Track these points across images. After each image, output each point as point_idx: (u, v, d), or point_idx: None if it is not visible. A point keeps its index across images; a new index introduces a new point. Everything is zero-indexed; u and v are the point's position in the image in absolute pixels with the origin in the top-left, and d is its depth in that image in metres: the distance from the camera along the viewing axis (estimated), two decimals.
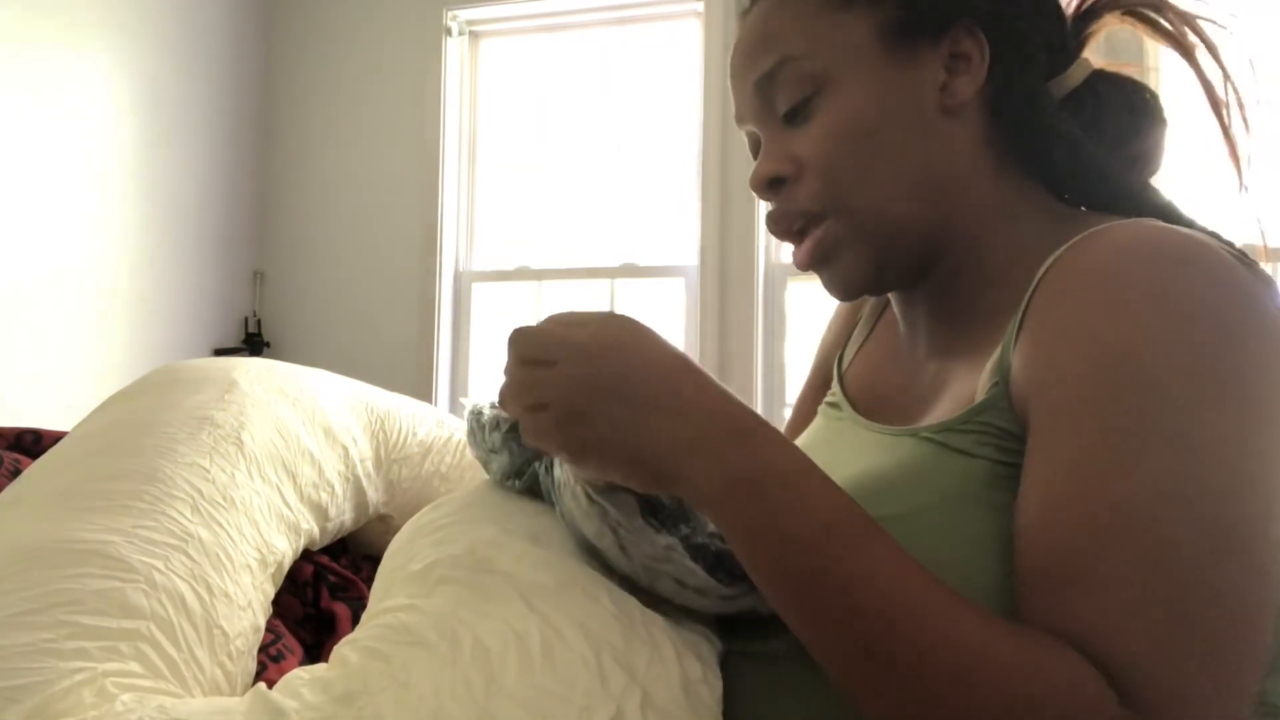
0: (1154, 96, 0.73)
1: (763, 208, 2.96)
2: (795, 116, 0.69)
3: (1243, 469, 0.52)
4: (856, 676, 0.53)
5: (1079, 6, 0.74)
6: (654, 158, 3.18)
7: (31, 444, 1.24)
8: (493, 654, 0.58)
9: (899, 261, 0.70)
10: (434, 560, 0.67)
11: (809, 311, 2.99)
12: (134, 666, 0.67)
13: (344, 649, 0.62)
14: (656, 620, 0.63)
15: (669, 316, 3.12)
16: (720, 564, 0.63)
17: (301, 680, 0.60)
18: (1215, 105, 0.70)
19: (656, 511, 0.63)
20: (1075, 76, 0.72)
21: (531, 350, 0.60)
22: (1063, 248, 0.62)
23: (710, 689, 0.62)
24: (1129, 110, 0.72)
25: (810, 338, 3.04)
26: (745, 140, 0.77)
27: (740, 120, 0.75)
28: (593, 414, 0.57)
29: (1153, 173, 0.74)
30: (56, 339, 2.77)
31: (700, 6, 3.06)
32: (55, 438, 1.21)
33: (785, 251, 3.02)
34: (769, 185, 0.71)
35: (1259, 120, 0.71)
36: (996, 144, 0.70)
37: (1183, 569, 0.50)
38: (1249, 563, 0.51)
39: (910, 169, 0.67)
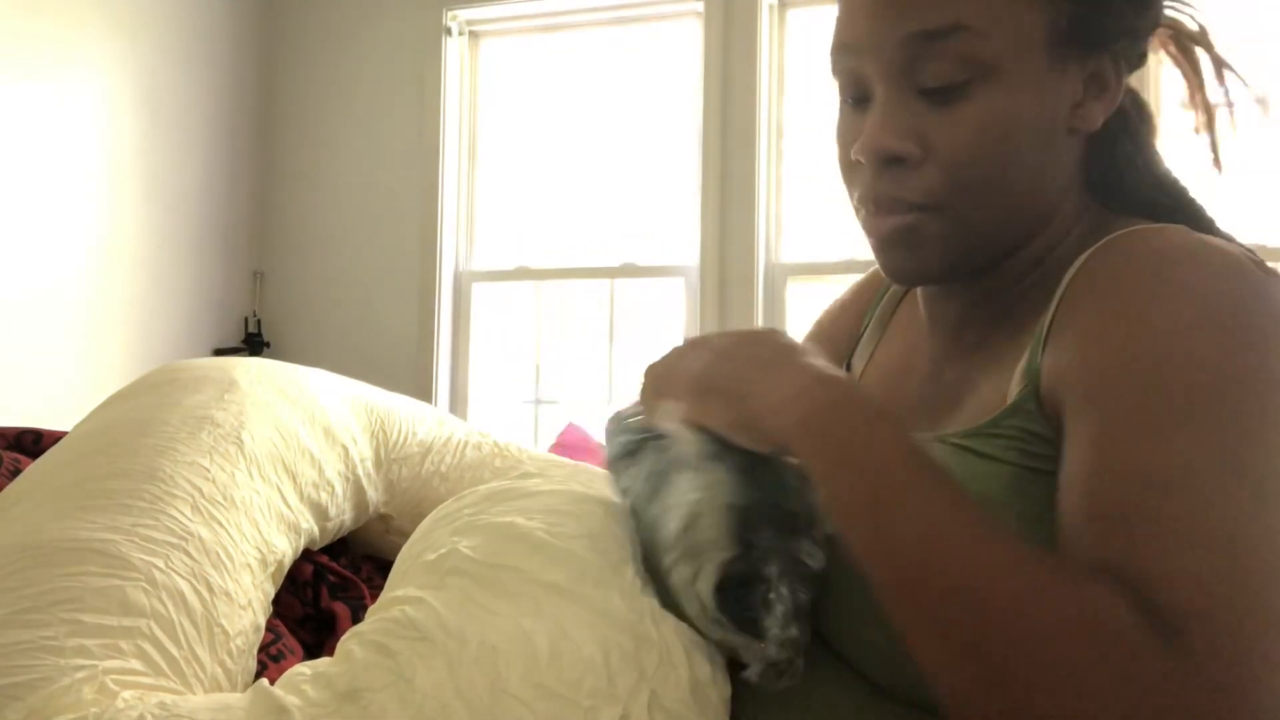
0: (1148, 108, 0.73)
1: (762, 208, 2.98)
2: (940, 95, 0.62)
3: None
4: (914, 615, 0.53)
5: None
6: (654, 158, 3.18)
7: (31, 444, 1.24)
8: (499, 652, 0.58)
9: (974, 265, 0.68)
10: (448, 550, 0.67)
11: (809, 311, 2.99)
12: (135, 664, 0.67)
13: (349, 643, 0.62)
14: (668, 620, 0.63)
15: (669, 316, 3.12)
16: (734, 596, 0.61)
17: (304, 676, 0.60)
18: (1209, 110, 0.71)
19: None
20: None
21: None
22: (1089, 250, 0.62)
23: (718, 691, 0.62)
24: (1143, 121, 0.72)
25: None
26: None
27: (855, 52, 0.65)
28: (726, 366, 0.64)
29: None
30: (57, 339, 2.77)
31: (700, 6, 3.06)
32: (55, 438, 1.21)
33: (785, 251, 3.02)
34: (887, 161, 0.64)
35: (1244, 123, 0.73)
36: (1082, 161, 0.69)
37: (1228, 520, 0.50)
38: None
39: (1030, 183, 0.65)
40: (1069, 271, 0.63)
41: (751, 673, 0.61)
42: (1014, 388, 0.62)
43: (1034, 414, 0.60)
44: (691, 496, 0.63)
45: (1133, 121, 0.69)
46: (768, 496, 0.63)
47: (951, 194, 0.63)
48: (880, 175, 0.65)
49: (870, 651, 0.61)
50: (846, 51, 0.66)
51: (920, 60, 0.62)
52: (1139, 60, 0.68)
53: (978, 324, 0.71)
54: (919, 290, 0.77)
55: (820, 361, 0.62)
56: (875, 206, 0.66)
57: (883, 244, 0.67)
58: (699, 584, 0.62)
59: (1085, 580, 0.50)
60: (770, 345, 0.64)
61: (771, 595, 0.60)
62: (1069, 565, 0.52)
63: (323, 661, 0.62)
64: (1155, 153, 0.70)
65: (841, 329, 0.89)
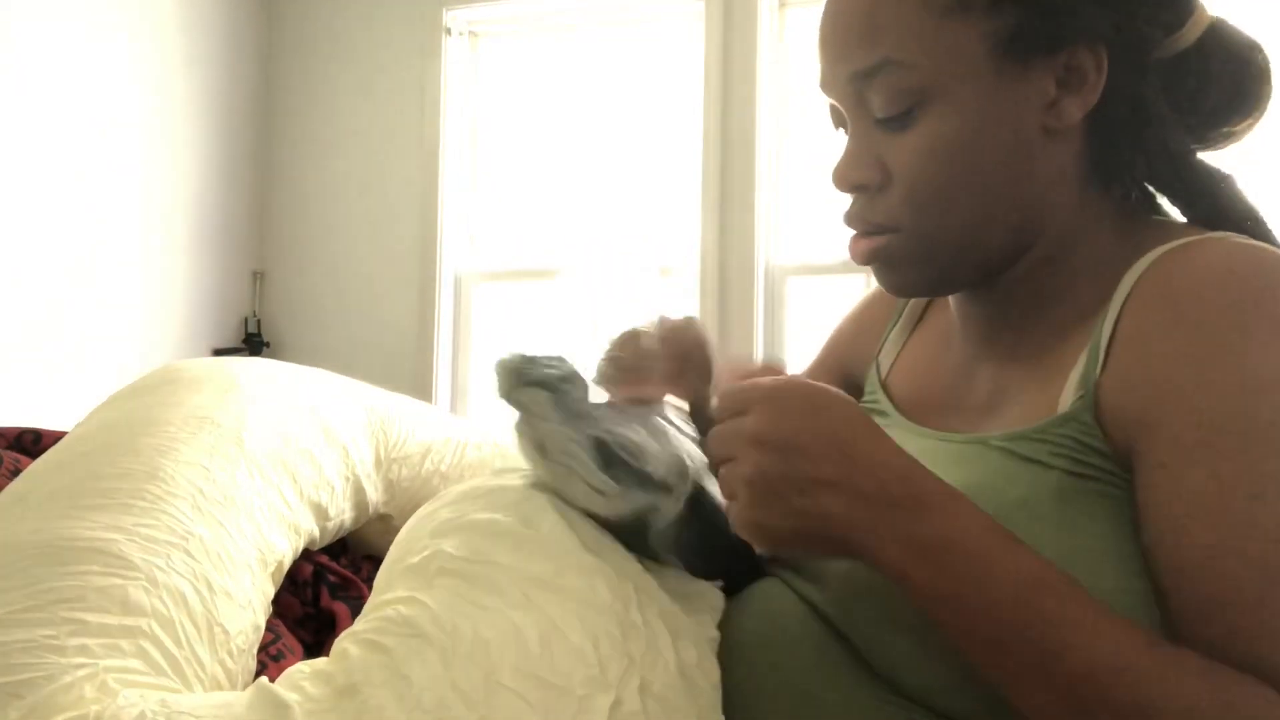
0: (1266, 66, 0.67)
1: (762, 208, 2.98)
2: (894, 124, 0.65)
3: None
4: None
5: None
6: (654, 158, 3.18)
7: (31, 444, 1.24)
8: (492, 646, 0.59)
9: (962, 276, 0.69)
10: (433, 552, 0.68)
11: (809, 311, 2.99)
12: (135, 663, 0.67)
13: (344, 642, 0.63)
14: (652, 605, 0.64)
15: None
16: (613, 457, 0.66)
17: (303, 674, 0.60)
18: None
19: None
20: (1189, 35, 0.65)
21: (729, 401, 0.61)
22: (1147, 259, 0.61)
23: (706, 674, 0.63)
24: (1235, 87, 0.66)
25: (810, 337, 3.05)
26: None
27: (825, 91, 0.70)
28: (771, 504, 0.58)
29: (1228, 145, 0.69)
30: (57, 338, 2.77)
31: (700, 7, 3.06)
32: (55, 437, 1.21)
33: (785, 251, 3.02)
34: (852, 189, 0.68)
35: None
36: (1088, 156, 0.66)
37: None
38: None
39: (999, 193, 0.65)
40: (1125, 279, 0.61)
41: (667, 516, 0.66)
42: (1067, 397, 0.61)
43: (1090, 427, 0.59)
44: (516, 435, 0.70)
45: (1153, 109, 0.65)
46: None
47: (911, 215, 0.66)
48: (853, 202, 0.69)
49: (902, 658, 0.61)
50: (822, 89, 0.70)
51: (865, 95, 0.65)
52: (1147, 44, 0.64)
53: (1013, 325, 0.70)
54: (951, 303, 0.77)
55: (870, 446, 0.58)
56: (851, 230, 0.70)
57: (866, 266, 0.71)
58: (581, 469, 0.66)
59: (1245, 687, 0.51)
60: (810, 438, 0.58)
61: (630, 441, 0.66)
62: (1226, 674, 0.52)
63: (321, 660, 0.63)
64: (1177, 141, 0.66)
65: (874, 322, 0.88)
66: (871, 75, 0.64)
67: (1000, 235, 0.66)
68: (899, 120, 0.64)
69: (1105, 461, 0.59)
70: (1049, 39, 0.62)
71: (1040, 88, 0.63)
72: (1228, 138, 0.69)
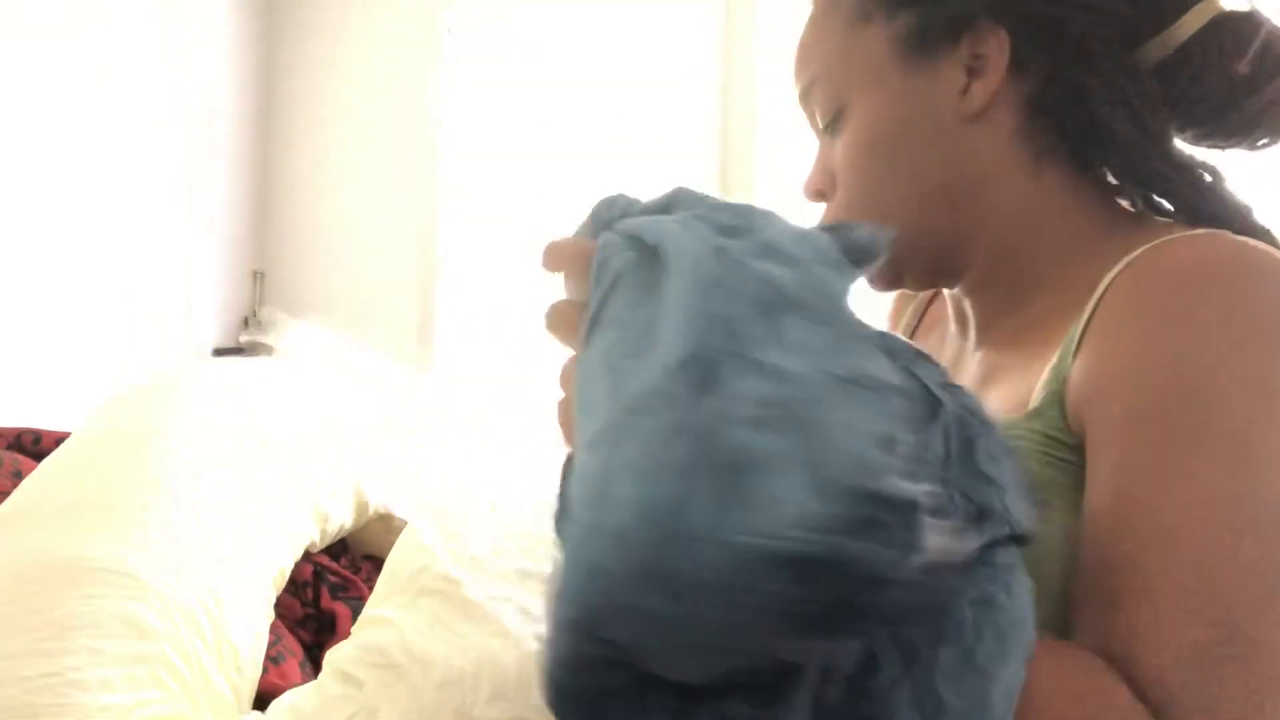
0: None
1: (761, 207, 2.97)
2: (830, 132, 0.71)
3: None
4: None
5: None
6: (654, 158, 3.17)
7: (31, 444, 1.24)
8: (466, 677, 0.59)
9: (918, 266, 0.71)
10: (422, 566, 0.67)
11: None
12: (153, 694, 0.68)
13: (325, 671, 0.63)
14: None
15: None
16: None
17: (281, 708, 0.60)
18: None
19: None
20: (1188, 27, 0.64)
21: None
22: (1126, 259, 0.61)
23: None
24: (1245, 64, 0.64)
25: None
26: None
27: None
28: None
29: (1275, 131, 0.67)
30: (56, 338, 2.77)
31: (707, 8, 3.06)
32: (55, 438, 1.21)
33: None
34: (812, 196, 0.75)
35: None
36: (1035, 142, 0.67)
37: (1225, 580, 0.49)
38: None
39: (927, 180, 0.68)
40: (1104, 278, 0.62)
41: None
42: (1039, 391, 0.62)
43: (1055, 419, 0.60)
44: None
45: (1099, 95, 0.64)
46: None
47: (853, 208, 0.71)
48: (823, 209, 0.75)
49: None
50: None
51: (809, 111, 0.73)
52: (1074, 28, 0.64)
53: (996, 319, 0.71)
54: (945, 294, 0.78)
55: None
56: None
57: None
58: None
59: (1094, 673, 0.49)
60: None
61: None
62: (1083, 664, 0.50)
63: (302, 691, 0.63)
64: (1138, 129, 0.65)
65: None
66: (807, 93, 0.72)
67: (944, 222, 0.69)
68: (831, 129, 0.71)
69: (1071, 454, 0.59)
70: (944, 30, 0.66)
71: (952, 78, 0.66)
72: (1268, 109, 0.66)
